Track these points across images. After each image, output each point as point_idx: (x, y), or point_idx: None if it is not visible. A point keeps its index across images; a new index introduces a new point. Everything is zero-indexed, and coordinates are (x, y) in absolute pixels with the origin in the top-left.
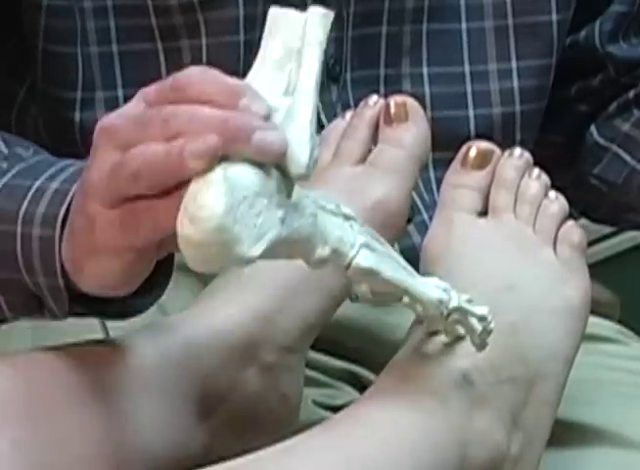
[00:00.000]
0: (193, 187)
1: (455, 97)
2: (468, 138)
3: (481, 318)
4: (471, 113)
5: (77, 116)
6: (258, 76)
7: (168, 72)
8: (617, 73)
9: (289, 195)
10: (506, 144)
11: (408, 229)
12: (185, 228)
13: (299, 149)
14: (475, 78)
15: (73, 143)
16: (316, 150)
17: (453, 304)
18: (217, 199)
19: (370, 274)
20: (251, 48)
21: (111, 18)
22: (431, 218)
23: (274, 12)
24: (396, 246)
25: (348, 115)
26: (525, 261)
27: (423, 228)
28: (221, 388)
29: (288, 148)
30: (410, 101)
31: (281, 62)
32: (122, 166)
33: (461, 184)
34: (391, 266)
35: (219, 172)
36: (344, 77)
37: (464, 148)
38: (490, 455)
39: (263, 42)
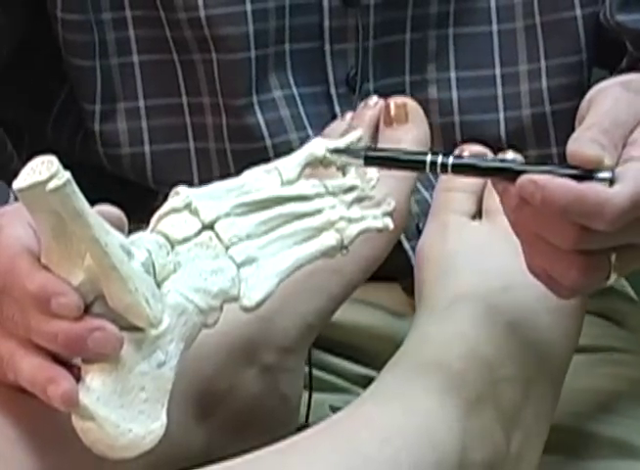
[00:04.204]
0: (75, 423)
1: (485, 100)
2: (498, 141)
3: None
4: (501, 115)
5: (97, 127)
6: (50, 254)
7: (186, 85)
8: (634, 47)
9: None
10: (540, 145)
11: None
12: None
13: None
14: (505, 81)
15: (97, 155)
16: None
17: None
18: (99, 431)
19: None
20: (265, 64)
21: (130, 28)
22: None
23: (16, 187)
24: (414, 258)
25: (348, 115)
26: (519, 263)
27: None
28: (221, 388)
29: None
30: (410, 102)
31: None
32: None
33: (454, 187)
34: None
35: (84, 406)
36: (367, 88)
37: (456, 152)
38: (490, 455)
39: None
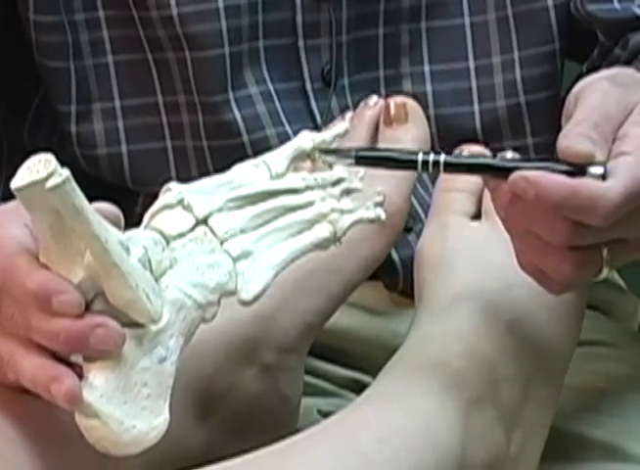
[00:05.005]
0: (78, 421)
1: (459, 93)
2: (474, 133)
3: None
4: (476, 108)
5: (73, 129)
6: (49, 253)
7: (161, 83)
8: (605, 37)
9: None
10: (515, 136)
11: (408, 239)
12: (97, 447)
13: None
14: (479, 73)
15: (74, 157)
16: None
17: None
18: (103, 428)
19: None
20: (240, 61)
21: (104, 29)
22: None
23: (15, 186)
24: (395, 255)
25: (348, 115)
26: None
27: None
28: (220, 387)
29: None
30: (410, 102)
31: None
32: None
33: (454, 188)
34: None
35: (87, 403)
36: (342, 83)
37: (455, 152)
38: (490, 454)
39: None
